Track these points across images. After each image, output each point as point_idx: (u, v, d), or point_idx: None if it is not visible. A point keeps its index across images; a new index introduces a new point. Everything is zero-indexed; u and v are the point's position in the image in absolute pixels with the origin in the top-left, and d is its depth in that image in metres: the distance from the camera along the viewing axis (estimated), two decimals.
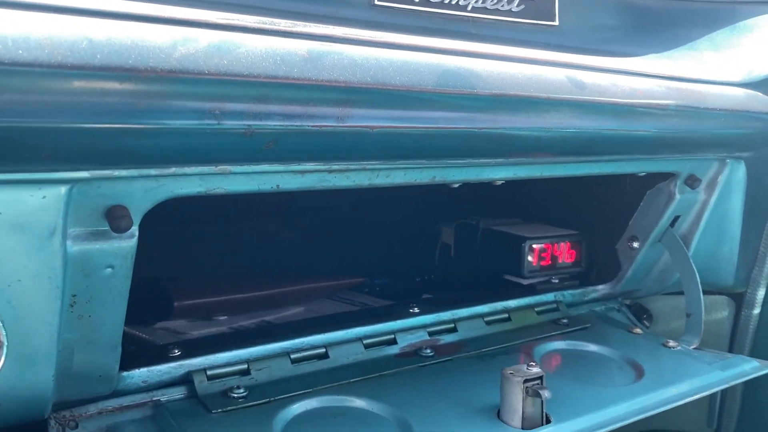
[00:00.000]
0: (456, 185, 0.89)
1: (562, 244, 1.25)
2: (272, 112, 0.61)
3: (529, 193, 1.36)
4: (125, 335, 1.06)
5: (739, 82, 1.08)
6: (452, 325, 1.07)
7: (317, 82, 0.63)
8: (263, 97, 0.61)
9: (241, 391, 0.84)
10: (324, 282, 1.33)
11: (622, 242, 1.23)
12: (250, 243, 1.30)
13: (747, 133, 1.09)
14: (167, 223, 1.21)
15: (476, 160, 0.84)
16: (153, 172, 0.63)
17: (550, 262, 1.24)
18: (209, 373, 0.86)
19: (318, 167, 0.72)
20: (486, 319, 1.11)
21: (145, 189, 0.64)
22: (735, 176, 1.16)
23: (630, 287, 1.26)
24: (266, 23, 0.67)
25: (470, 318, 1.10)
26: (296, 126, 0.63)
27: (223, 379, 0.86)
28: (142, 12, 0.58)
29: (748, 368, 1.06)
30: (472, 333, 1.08)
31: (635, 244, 1.21)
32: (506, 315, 1.14)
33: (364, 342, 0.98)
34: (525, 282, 1.23)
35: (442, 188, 1.37)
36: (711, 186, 1.17)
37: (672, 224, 1.19)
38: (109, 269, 0.67)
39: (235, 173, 0.68)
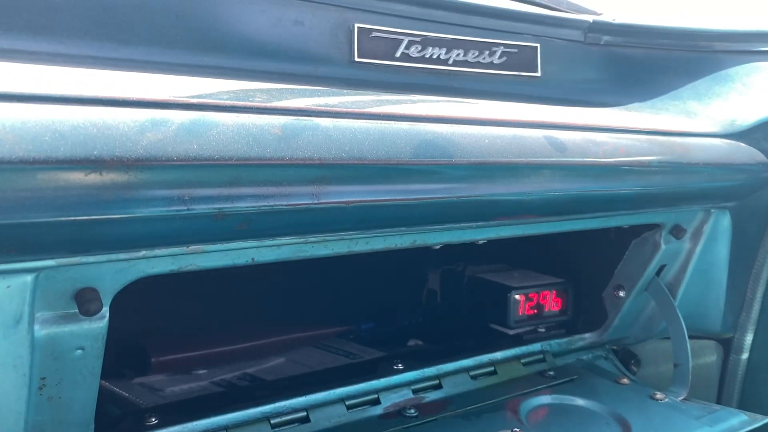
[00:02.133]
0: (437, 247, 0.87)
1: (548, 292, 1.24)
2: (244, 194, 0.60)
3: (517, 240, 1.34)
4: (102, 392, 1.05)
5: (722, 133, 1.08)
6: (437, 381, 1.06)
7: (291, 161, 0.62)
8: (235, 180, 0.59)
9: None
10: (308, 331, 1.31)
11: (608, 291, 1.22)
12: (231, 293, 1.28)
13: (731, 185, 1.08)
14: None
15: (457, 225, 0.83)
16: (122, 256, 0.61)
17: (536, 311, 1.23)
18: None
19: (294, 240, 0.71)
20: (471, 373, 1.10)
21: (115, 271, 0.63)
22: (720, 225, 1.16)
23: (617, 335, 1.25)
24: (239, 99, 0.66)
25: (455, 373, 1.08)
26: (269, 206, 0.62)
27: None
28: (108, 96, 0.57)
29: (737, 422, 1.05)
30: (458, 389, 1.07)
31: (621, 293, 1.20)
32: (492, 368, 1.12)
33: (347, 403, 0.97)
34: (511, 332, 1.21)
35: None
36: (696, 235, 1.16)
37: (658, 273, 1.18)
38: (80, 351, 0.65)
39: (208, 251, 0.67)
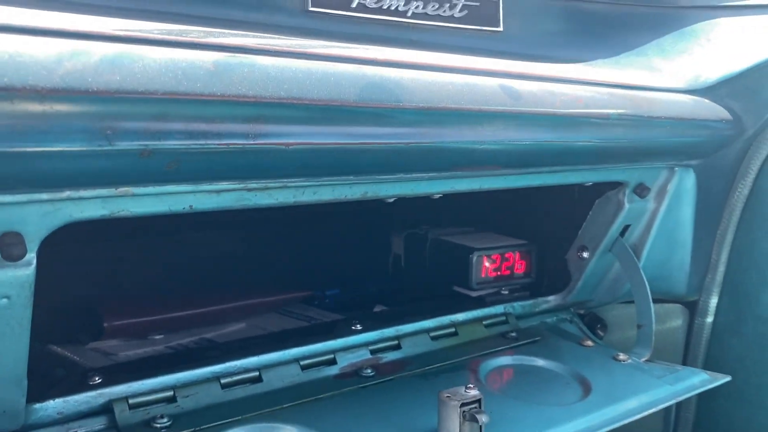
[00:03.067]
0: (390, 200, 0.85)
1: (512, 254, 1.22)
2: (172, 130, 0.57)
3: (480, 201, 1.32)
4: (52, 357, 1.02)
5: (686, 89, 1.06)
6: (396, 342, 1.04)
7: (224, 98, 0.59)
8: (161, 115, 0.56)
9: (165, 420, 0.79)
10: (270, 296, 1.28)
11: (572, 252, 1.20)
12: (192, 256, 1.26)
13: (695, 141, 1.07)
14: (97, 238, 1.17)
15: (409, 175, 0.80)
16: (44, 196, 0.58)
17: (499, 273, 1.21)
18: (131, 401, 0.81)
19: (234, 186, 0.68)
20: (432, 334, 1.08)
21: (40, 214, 0.60)
22: (684, 184, 1.14)
23: (581, 298, 1.24)
24: (172, 33, 0.62)
25: (415, 334, 1.06)
26: (201, 145, 0.59)
27: (147, 408, 0.81)
28: (24, 24, 0.54)
29: (698, 381, 1.04)
30: (417, 349, 1.05)
31: (585, 254, 1.18)
32: (453, 329, 1.10)
33: (301, 363, 0.94)
34: (474, 294, 1.19)
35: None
36: (660, 194, 1.14)
37: (622, 234, 1.16)
38: (5, 300, 0.62)
39: (139, 195, 0.64)
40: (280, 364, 0.93)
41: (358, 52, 0.78)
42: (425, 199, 1.32)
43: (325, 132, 0.66)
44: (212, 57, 0.61)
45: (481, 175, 0.89)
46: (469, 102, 0.77)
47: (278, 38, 0.73)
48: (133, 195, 0.63)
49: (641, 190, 1.11)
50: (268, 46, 0.66)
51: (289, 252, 1.35)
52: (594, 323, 1.34)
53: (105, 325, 1.08)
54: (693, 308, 1.32)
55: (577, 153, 0.92)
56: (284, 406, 0.86)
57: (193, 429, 0.79)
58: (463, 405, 0.78)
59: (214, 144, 0.60)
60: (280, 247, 1.35)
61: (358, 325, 1.03)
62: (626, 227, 1.16)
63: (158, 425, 0.79)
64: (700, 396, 1.33)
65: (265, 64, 0.63)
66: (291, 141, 0.64)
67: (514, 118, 0.81)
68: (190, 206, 0.68)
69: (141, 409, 0.81)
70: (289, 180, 0.70)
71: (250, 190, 0.70)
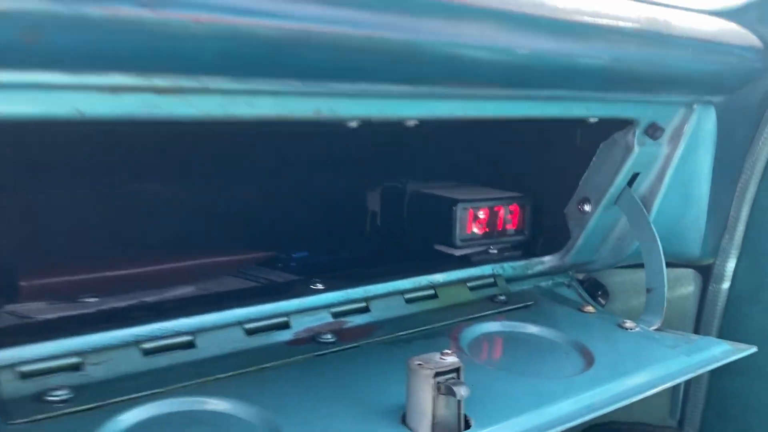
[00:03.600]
0: (353, 124, 0.68)
1: (502, 207, 1.06)
2: None
3: (468, 150, 1.16)
4: None
5: (711, 10, 0.89)
6: (363, 304, 0.88)
7: None
8: None
9: (64, 393, 0.63)
10: (226, 256, 1.12)
11: (571, 205, 1.04)
12: (136, 208, 1.08)
13: (718, 70, 0.90)
14: (29, 184, 1.00)
15: (372, 87, 0.64)
16: None
17: (487, 229, 1.05)
18: (23, 369, 0.65)
19: (134, 82, 0.51)
20: (407, 296, 0.92)
21: None
22: (704, 125, 0.98)
23: (581, 259, 1.08)
24: None
25: (387, 295, 0.90)
26: (72, 10, 0.42)
27: (43, 378, 0.65)
28: None
29: (718, 352, 0.89)
30: (388, 313, 0.89)
31: (587, 207, 1.02)
32: (432, 291, 0.94)
33: (246, 327, 0.78)
34: (457, 252, 1.03)
35: (370, 146, 1.18)
36: (675, 137, 0.98)
37: (630, 183, 1.00)
38: None
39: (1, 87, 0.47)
40: (220, 327, 0.77)
41: None
42: (405, 149, 1.17)
43: (251, 5, 0.49)
44: None
45: (466, 96, 0.72)
46: None
47: None
48: None
49: (654, 131, 0.95)
50: None
51: (250, 206, 1.18)
52: (594, 290, 1.18)
53: (21, 283, 0.91)
54: (707, 273, 1.17)
55: (582, 72, 0.75)
56: (219, 376, 0.70)
57: (98, 403, 0.63)
58: (437, 375, 0.62)
59: (92, 10, 0.43)
60: (240, 199, 1.18)
61: (319, 284, 0.87)
62: (635, 175, 1.00)
63: (54, 398, 0.62)
64: (713, 371, 1.18)
65: None
66: (201, 15, 0.47)
67: (507, 17, 0.65)
68: (78, 110, 0.51)
69: (35, 378, 0.65)
70: (209, 78, 0.53)
71: (158, 91, 0.53)
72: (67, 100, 0.50)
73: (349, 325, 0.85)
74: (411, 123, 0.73)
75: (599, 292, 1.19)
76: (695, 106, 0.96)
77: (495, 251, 1.05)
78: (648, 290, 0.99)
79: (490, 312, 0.93)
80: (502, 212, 1.05)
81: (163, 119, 0.55)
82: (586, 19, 0.72)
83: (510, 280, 1.03)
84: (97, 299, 0.99)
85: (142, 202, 1.09)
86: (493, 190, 1.10)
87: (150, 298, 1.02)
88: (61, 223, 1.01)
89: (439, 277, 0.96)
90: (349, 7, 0.54)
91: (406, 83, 0.65)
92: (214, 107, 0.57)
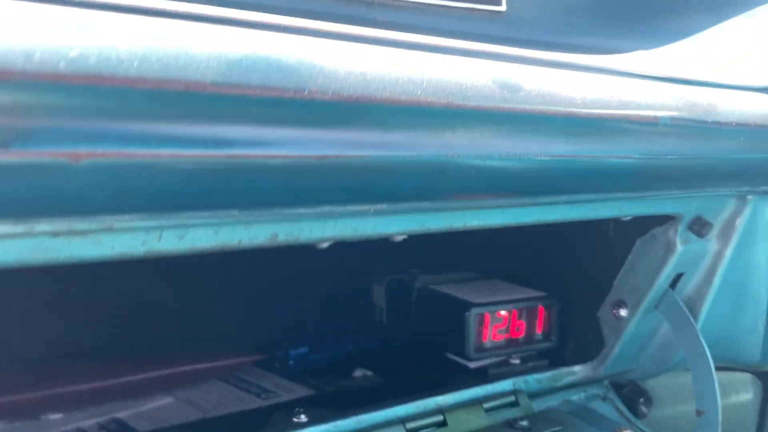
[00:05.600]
0: (323, 245, 0.56)
1: (524, 310, 0.92)
2: None
3: (487, 240, 1.03)
4: None
5: (763, 87, 0.76)
6: None
7: None
8: None
9: None
10: (210, 361, 1.00)
11: (605, 308, 0.90)
12: (106, 309, 0.97)
13: None
14: None
15: (343, 208, 0.51)
16: None
17: (507, 335, 0.91)
18: None
19: (12, 230, 0.40)
20: (409, 425, 0.78)
21: None
22: (759, 218, 0.84)
23: (618, 368, 0.93)
24: None
25: (385, 425, 0.77)
26: None
27: None
28: None
29: None
30: None
31: (623, 312, 0.88)
32: (440, 417, 0.80)
33: None
34: (472, 365, 0.89)
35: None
36: (726, 232, 0.84)
37: (673, 285, 0.86)
38: None
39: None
40: None
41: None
42: (415, 237, 1.04)
43: (150, 132, 0.37)
44: None
45: (466, 207, 0.60)
46: (444, 94, 0.48)
47: None
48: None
49: (700, 227, 0.81)
50: None
51: (241, 300, 1.06)
52: (635, 397, 1.03)
53: None
54: None
55: (610, 174, 0.62)
56: None
57: None
58: None
59: None
60: (229, 292, 1.06)
61: (302, 416, 0.74)
62: (678, 276, 0.85)
63: None
64: None
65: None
66: (79, 150, 0.36)
67: (511, 118, 0.52)
68: None
69: None
70: (112, 218, 0.42)
71: (49, 234, 0.41)
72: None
73: None
74: (399, 239, 0.61)
75: (641, 400, 1.03)
76: (749, 197, 0.81)
77: (517, 361, 0.91)
78: (698, 412, 0.84)
79: None
80: (524, 315, 0.91)
81: (66, 263, 0.44)
82: (611, 112, 0.59)
83: (535, 394, 0.89)
84: (61, 416, 0.88)
85: (110, 301, 0.97)
86: (515, 287, 0.96)
87: (122, 413, 0.90)
88: (21, 325, 0.90)
89: (449, 399, 0.82)
90: (290, 125, 0.42)
91: (385, 202, 0.52)
92: (130, 245, 0.45)
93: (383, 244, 1.10)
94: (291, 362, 1.07)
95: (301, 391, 0.96)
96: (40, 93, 0.34)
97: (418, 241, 1.07)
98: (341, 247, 1.02)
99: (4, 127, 0.33)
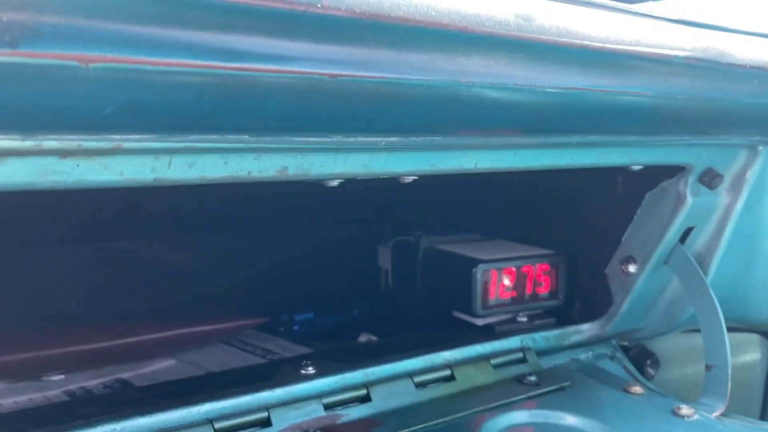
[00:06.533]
0: (333, 183, 0.55)
1: (532, 267, 0.91)
2: None
3: (491, 198, 1.02)
4: None
5: None
6: (364, 392, 0.73)
7: None
8: None
9: None
10: (213, 323, 0.99)
11: (613, 265, 0.89)
12: (108, 270, 0.96)
13: None
14: None
15: (352, 139, 0.50)
16: None
17: (514, 293, 0.90)
18: None
19: (18, 145, 0.38)
20: (417, 379, 0.77)
21: None
22: None
23: (626, 326, 0.92)
24: None
25: (393, 379, 0.76)
26: None
27: None
28: None
29: None
30: (394, 402, 0.74)
31: (631, 268, 0.87)
32: (448, 371, 0.79)
33: (216, 426, 0.64)
34: (479, 321, 0.88)
35: (382, 195, 1.05)
36: (737, 184, 0.83)
37: (682, 239, 0.85)
38: None
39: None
40: (185, 427, 0.63)
41: None
42: (419, 195, 1.03)
43: (159, 38, 0.36)
44: None
45: (476, 146, 0.59)
46: (460, 18, 0.47)
47: None
48: None
49: (711, 178, 0.80)
50: None
51: (247, 264, 1.05)
52: (642, 358, 1.02)
53: None
54: None
55: (622, 113, 0.60)
56: None
57: None
58: None
59: None
60: (234, 257, 1.05)
61: (310, 368, 0.73)
62: (688, 230, 0.84)
63: None
64: None
65: None
66: (90, 54, 0.34)
67: (527, 47, 0.51)
68: None
69: None
70: (122, 136, 0.40)
71: (56, 154, 0.40)
72: None
73: (345, 419, 0.70)
74: (408, 179, 0.60)
75: (648, 362, 1.02)
76: (760, 148, 0.80)
77: (524, 319, 0.90)
78: (708, 367, 0.83)
79: (518, 398, 0.78)
80: (531, 273, 0.91)
81: (74, 187, 0.43)
82: (626, 48, 0.58)
83: (542, 353, 0.88)
84: (62, 377, 0.87)
85: (115, 263, 0.96)
86: (521, 245, 0.95)
87: (125, 374, 0.89)
88: (20, 286, 0.88)
89: (456, 354, 0.81)
90: (311, 39, 0.41)
91: (396, 134, 0.51)
92: (140, 171, 0.44)
93: (389, 203, 1.09)
94: (296, 327, 1.06)
95: (304, 352, 0.95)
96: None
97: (423, 203, 1.07)
98: (344, 205, 1.02)
99: (13, 24, 0.32)
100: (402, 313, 1.02)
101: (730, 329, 0.85)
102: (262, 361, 0.93)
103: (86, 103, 0.36)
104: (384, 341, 0.90)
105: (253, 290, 1.05)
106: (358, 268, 1.09)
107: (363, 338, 1.02)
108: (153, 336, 0.93)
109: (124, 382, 0.87)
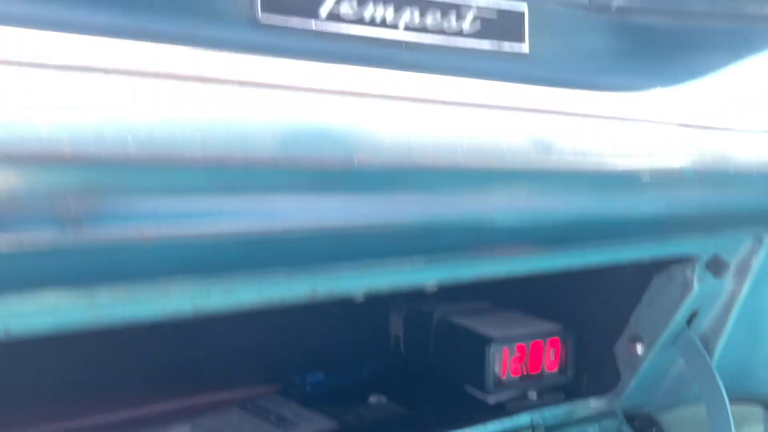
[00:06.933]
0: (358, 297, 0.57)
1: (542, 343, 0.93)
2: None
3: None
4: None
5: None
6: None
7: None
8: None
9: None
10: (227, 391, 1.01)
11: (621, 343, 0.91)
12: (124, 341, 0.98)
13: None
14: None
15: (380, 262, 0.53)
16: None
17: (525, 370, 0.92)
18: None
19: (71, 297, 0.41)
20: None
21: None
22: None
23: (633, 402, 0.94)
24: None
25: None
26: None
27: None
28: None
29: None
30: None
31: (639, 348, 0.89)
32: None
33: None
34: (491, 399, 0.91)
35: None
36: (741, 271, 0.85)
37: (689, 322, 0.87)
38: None
39: None
40: None
41: (319, 72, 0.51)
42: None
43: (210, 207, 0.39)
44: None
45: (496, 258, 0.61)
46: (477, 157, 0.50)
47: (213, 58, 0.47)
48: None
49: (717, 267, 0.82)
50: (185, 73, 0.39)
51: (255, 329, 1.07)
52: (647, 427, 1.04)
53: None
54: None
55: (636, 224, 0.63)
56: None
57: None
58: None
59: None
60: (243, 320, 1.07)
61: None
62: (694, 313, 0.87)
63: None
64: None
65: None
66: (146, 228, 0.37)
67: (544, 178, 0.54)
68: (4, 330, 0.41)
69: None
70: (169, 282, 0.43)
71: (102, 303, 0.43)
72: None
73: None
74: (430, 287, 0.62)
75: (653, 430, 1.05)
76: (765, 237, 0.83)
77: (534, 395, 0.92)
78: None
79: None
80: (541, 348, 0.93)
81: (119, 325, 0.45)
82: (638, 164, 0.60)
83: (550, 429, 0.90)
84: None
85: (125, 332, 0.98)
86: (531, 318, 0.98)
87: None
88: (31, 365, 0.90)
89: None
90: (355, 190, 0.44)
91: (420, 256, 0.54)
92: (181, 304, 0.47)
93: None
94: (308, 388, 1.08)
95: (319, 421, 0.97)
96: (110, 174, 0.35)
97: None
98: None
99: (76, 206, 0.35)
100: (413, 379, 1.04)
101: (733, 401, 0.87)
102: (277, 431, 0.94)
103: (140, 265, 0.39)
104: (397, 415, 0.92)
105: (265, 350, 1.07)
106: (368, 336, 1.11)
107: (373, 399, 1.04)
108: (166, 406, 0.95)
109: None
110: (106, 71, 0.35)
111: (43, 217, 0.34)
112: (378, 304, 1.09)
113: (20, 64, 0.32)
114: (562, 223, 0.56)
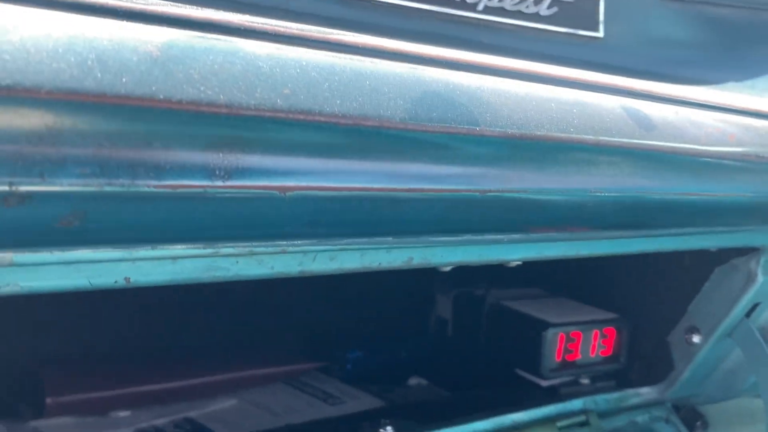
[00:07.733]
0: (446, 269, 0.57)
1: (597, 331, 0.93)
2: (62, 159, 0.31)
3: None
4: None
5: None
6: None
7: (167, 104, 0.33)
8: (40, 134, 0.30)
9: None
10: (271, 366, 1.01)
11: (677, 333, 0.91)
12: (172, 315, 0.98)
13: None
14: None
15: (474, 237, 0.53)
16: None
17: (579, 355, 0.92)
18: None
19: (198, 252, 0.41)
20: None
21: None
22: None
23: (685, 392, 0.94)
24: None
25: None
26: (119, 187, 0.33)
27: None
28: None
29: None
30: None
31: (696, 339, 0.89)
32: None
33: None
34: (545, 383, 0.91)
35: None
36: None
37: (748, 314, 0.87)
38: None
39: (30, 264, 0.37)
40: None
41: (405, 45, 0.51)
42: None
43: (350, 170, 0.39)
44: (156, 36, 0.35)
45: (580, 238, 0.61)
46: (578, 129, 0.49)
47: (270, 19, 0.47)
48: (13, 264, 0.36)
49: None
50: (255, 25, 0.39)
51: (302, 307, 1.07)
52: (692, 420, 1.04)
53: (48, 400, 0.82)
54: None
55: (723, 209, 0.63)
56: None
57: None
58: None
59: (146, 187, 0.33)
60: (288, 299, 1.07)
61: (389, 427, 0.75)
62: (755, 306, 0.86)
63: None
64: None
65: (250, 52, 0.37)
66: (290, 184, 0.37)
67: (645, 156, 0.53)
68: (127, 279, 0.41)
69: None
70: (287, 243, 0.43)
71: (225, 255, 0.43)
72: (112, 270, 0.41)
73: None
74: (513, 264, 0.62)
75: (698, 423, 1.05)
76: None
77: (587, 381, 0.92)
78: None
79: None
80: (597, 336, 0.93)
81: (228, 280, 0.45)
82: (731, 151, 0.60)
83: (602, 414, 0.90)
84: (129, 414, 0.89)
85: (178, 308, 0.98)
86: (584, 306, 0.97)
87: (190, 413, 0.92)
88: (93, 329, 0.91)
89: (523, 416, 0.84)
90: (455, 163, 0.44)
91: (513, 232, 0.54)
92: (289, 265, 0.47)
93: None
94: (349, 366, 1.08)
95: (366, 399, 0.97)
96: (258, 129, 0.35)
97: None
98: None
99: (215, 163, 0.35)
100: (461, 362, 1.04)
101: None
102: (325, 407, 0.95)
103: (275, 221, 0.39)
104: (450, 398, 0.92)
105: (307, 328, 1.07)
106: (410, 312, 1.11)
107: (413, 381, 1.04)
108: (214, 378, 0.95)
109: (192, 422, 0.89)
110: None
111: (190, 167, 0.34)
112: (421, 287, 1.10)
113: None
114: (655, 204, 0.56)
